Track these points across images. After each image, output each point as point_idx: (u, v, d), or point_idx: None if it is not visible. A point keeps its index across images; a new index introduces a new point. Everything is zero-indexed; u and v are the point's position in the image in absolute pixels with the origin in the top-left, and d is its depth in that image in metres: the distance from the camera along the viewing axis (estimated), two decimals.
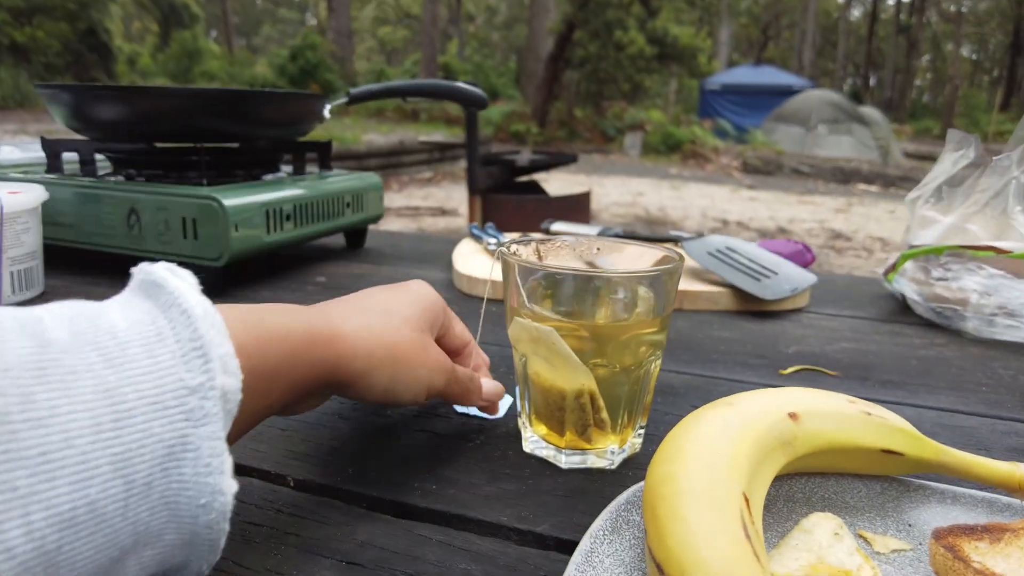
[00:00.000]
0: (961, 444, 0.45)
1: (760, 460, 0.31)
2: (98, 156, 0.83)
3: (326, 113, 0.90)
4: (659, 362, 0.40)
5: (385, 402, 0.36)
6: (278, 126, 0.82)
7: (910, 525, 0.34)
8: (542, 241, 0.44)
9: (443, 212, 5.63)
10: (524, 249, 0.42)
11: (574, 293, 0.39)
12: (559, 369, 0.37)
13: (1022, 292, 0.68)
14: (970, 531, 0.29)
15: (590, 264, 0.45)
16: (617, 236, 0.90)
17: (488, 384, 0.43)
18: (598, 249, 0.45)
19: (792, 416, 0.33)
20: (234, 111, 0.75)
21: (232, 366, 0.25)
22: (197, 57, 15.06)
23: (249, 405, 0.27)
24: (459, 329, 0.45)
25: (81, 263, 0.83)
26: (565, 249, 0.44)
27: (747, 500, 0.28)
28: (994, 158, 0.69)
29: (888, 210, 6.77)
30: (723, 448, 0.30)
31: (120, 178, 0.79)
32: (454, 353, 0.45)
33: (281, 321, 0.30)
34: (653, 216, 5.98)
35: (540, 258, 0.43)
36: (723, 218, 6.00)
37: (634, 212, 6.12)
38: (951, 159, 0.72)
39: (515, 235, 0.95)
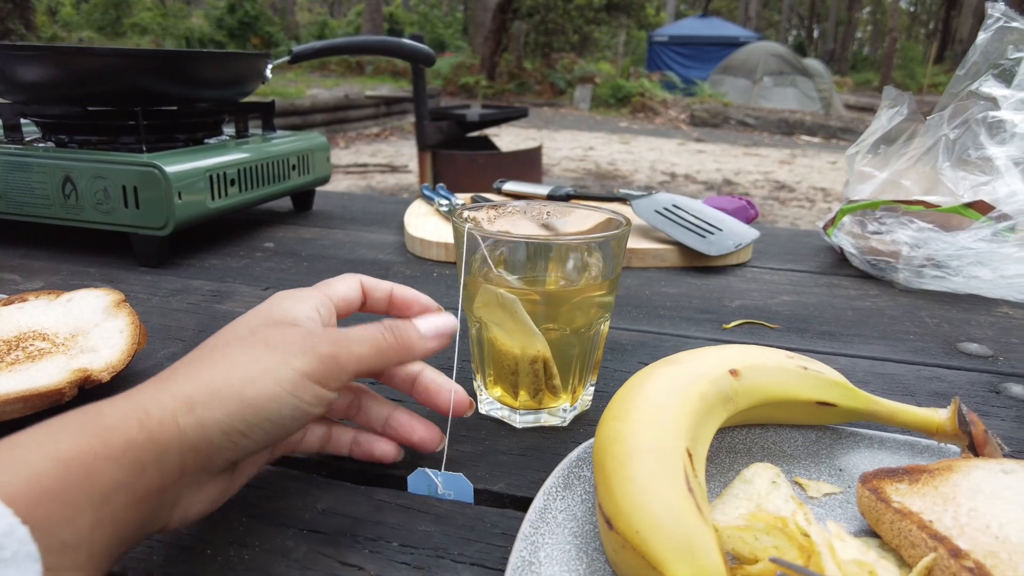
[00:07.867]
0: (889, 391, 0.49)
1: (703, 416, 0.32)
2: (23, 120, 0.79)
3: (268, 73, 0.87)
4: (608, 322, 0.42)
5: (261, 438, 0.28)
6: (219, 87, 0.79)
7: (840, 470, 0.37)
8: (495, 206, 0.44)
9: (393, 169, 5.53)
10: (479, 215, 0.43)
11: (527, 259, 0.39)
12: (515, 336, 0.38)
13: (948, 244, 0.71)
14: (892, 473, 0.32)
15: (544, 227, 0.45)
16: (568, 195, 0.91)
17: (426, 321, 0.34)
18: (548, 213, 0.45)
19: (733, 373, 0.35)
20: (173, 72, 0.72)
21: None
22: (126, 8, 14.11)
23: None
24: (345, 288, 0.35)
25: (11, 234, 0.79)
26: (517, 214, 0.45)
27: (690, 455, 0.29)
28: (928, 118, 0.72)
29: (830, 161, 6.94)
30: (669, 406, 0.31)
31: (50, 144, 0.75)
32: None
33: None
34: (604, 170, 6.00)
35: (495, 224, 0.44)
36: (671, 171, 6.07)
37: (585, 167, 6.12)
38: (887, 115, 0.75)
39: (466, 196, 0.95)
